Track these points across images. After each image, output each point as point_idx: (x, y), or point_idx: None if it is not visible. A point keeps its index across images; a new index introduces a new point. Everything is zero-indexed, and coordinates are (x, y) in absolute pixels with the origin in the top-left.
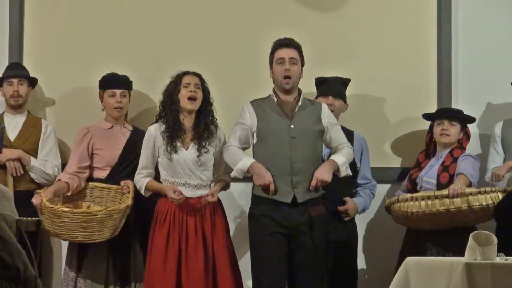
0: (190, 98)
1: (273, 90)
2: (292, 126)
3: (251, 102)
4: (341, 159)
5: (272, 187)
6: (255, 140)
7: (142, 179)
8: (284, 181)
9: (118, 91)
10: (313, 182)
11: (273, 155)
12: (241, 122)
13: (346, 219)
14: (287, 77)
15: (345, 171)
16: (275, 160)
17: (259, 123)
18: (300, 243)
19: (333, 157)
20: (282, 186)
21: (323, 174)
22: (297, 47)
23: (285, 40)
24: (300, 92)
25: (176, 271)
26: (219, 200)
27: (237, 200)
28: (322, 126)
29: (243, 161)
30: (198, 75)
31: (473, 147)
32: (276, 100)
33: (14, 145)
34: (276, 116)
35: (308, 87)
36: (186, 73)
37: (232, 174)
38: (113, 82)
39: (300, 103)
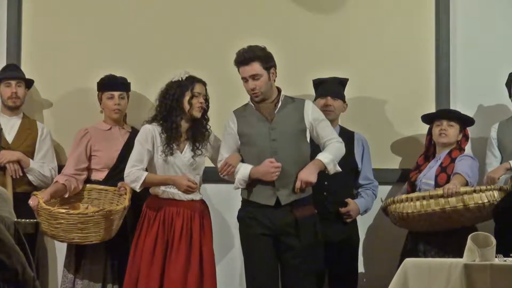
0: (200, 108)
1: (250, 97)
2: (272, 129)
3: (234, 111)
4: (327, 157)
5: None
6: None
7: (139, 172)
8: (267, 184)
9: (116, 93)
10: (297, 184)
11: (256, 159)
12: (229, 132)
13: (348, 220)
14: (254, 94)
15: (334, 169)
16: (258, 164)
17: (241, 130)
18: (286, 244)
19: (319, 156)
20: (265, 189)
21: (307, 175)
22: (256, 58)
23: (241, 57)
24: (279, 91)
25: (160, 273)
26: (206, 205)
27: (235, 203)
28: (304, 125)
29: (241, 170)
30: (205, 84)
31: (471, 149)
32: (254, 105)
33: (12, 147)
34: (256, 120)
35: (306, 89)
36: (197, 81)
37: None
38: (111, 84)
39: (279, 104)
